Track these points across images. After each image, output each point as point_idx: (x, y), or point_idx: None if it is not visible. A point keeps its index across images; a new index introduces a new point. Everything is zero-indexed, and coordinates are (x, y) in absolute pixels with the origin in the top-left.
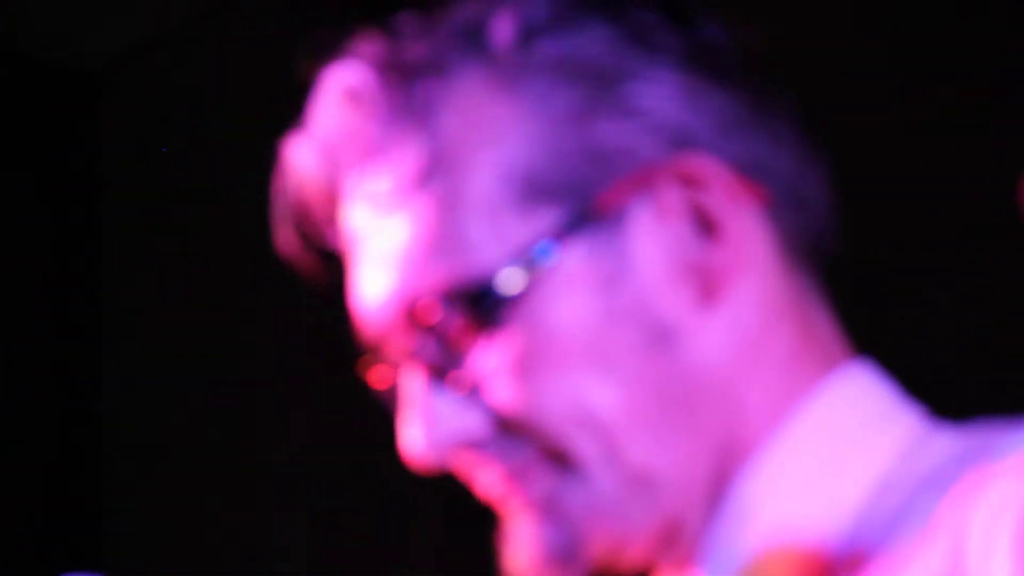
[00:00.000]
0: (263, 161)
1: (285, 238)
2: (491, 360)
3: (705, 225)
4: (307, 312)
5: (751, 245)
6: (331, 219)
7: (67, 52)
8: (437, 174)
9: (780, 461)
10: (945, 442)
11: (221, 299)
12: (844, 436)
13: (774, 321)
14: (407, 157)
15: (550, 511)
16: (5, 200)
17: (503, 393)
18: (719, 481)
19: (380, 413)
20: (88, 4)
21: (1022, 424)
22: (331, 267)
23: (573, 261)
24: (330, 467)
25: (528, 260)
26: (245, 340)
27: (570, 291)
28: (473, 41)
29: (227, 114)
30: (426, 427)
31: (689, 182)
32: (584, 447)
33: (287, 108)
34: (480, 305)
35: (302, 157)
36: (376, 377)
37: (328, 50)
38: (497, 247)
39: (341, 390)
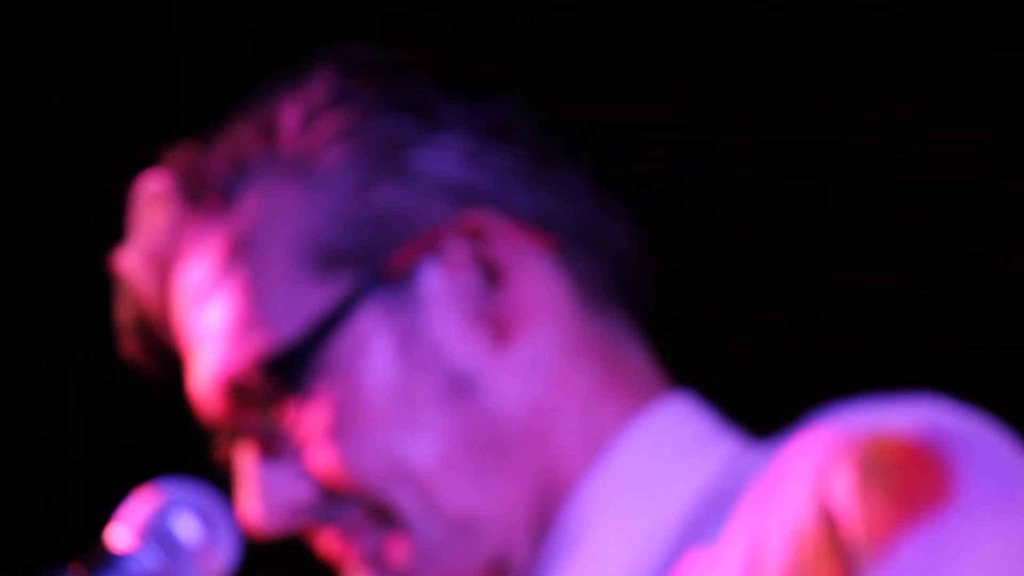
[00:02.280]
0: None
1: (129, 345)
2: (307, 426)
3: (491, 275)
4: None
5: (539, 289)
6: (166, 320)
7: None
8: (239, 258)
9: (599, 492)
10: (756, 455)
11: None
12: (660, 462)
13: (576, 359)
14: (212, 248)
15: (381, 565)
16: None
17: (320, 458)
18: (541, 516)
19: None
20: None
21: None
22: (176, 368)
23: (369, 323)
24: None
25: (324, 326)
26: None
27: (369, 351)
28: (266, 132)
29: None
30: (259, 499)
31: (473, 235)
32: (402, 500)
33: None
34: (286, 374)
35: (128, 266)
36: (221, 456)
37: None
38: (296, 317)
39: None
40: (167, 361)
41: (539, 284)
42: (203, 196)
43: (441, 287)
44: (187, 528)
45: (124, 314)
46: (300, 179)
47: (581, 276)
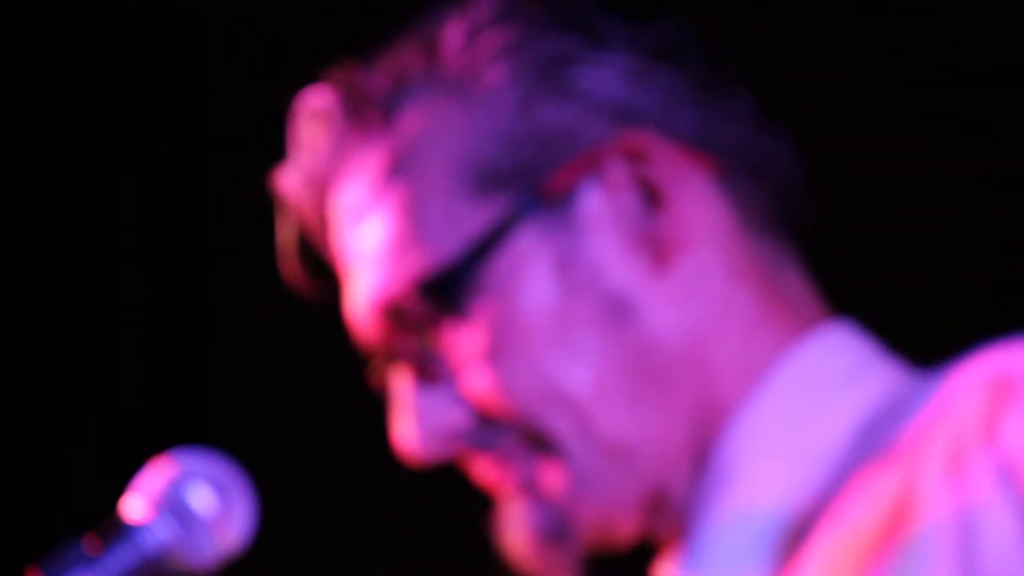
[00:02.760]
0: None
1: (290, 266)
2: (462, 349)
3: (651, 197)
4: None
5: (700, 212)
6: (326, 239)
7: None
8: (398, 176)
9: (758, 419)
10: (916, 385)
11: None
12: (819, 390)
13: (736, 285)
14: (371, 166)
15: (537, 493)
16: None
17: (476, 381)
18: (699, 444)
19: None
20: None
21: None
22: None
23: (527, 244)
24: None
25: (482, 246)
26: None
27: (527, 273)
28: (429, 50)
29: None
30: (415, 424)
31: (634, 157)
32: (558, 426)
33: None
34: (442, 296)
35: (289, 185)
36: (378, 379)
37: (307, 81)
38: (454, 238)
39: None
40: (327, 283)
41: (700, 207)
42: (364, 113)
43: (600, 208)
44: (201, 499)
45: (285, 234)
46: (461, 97)
47: (742, 200)
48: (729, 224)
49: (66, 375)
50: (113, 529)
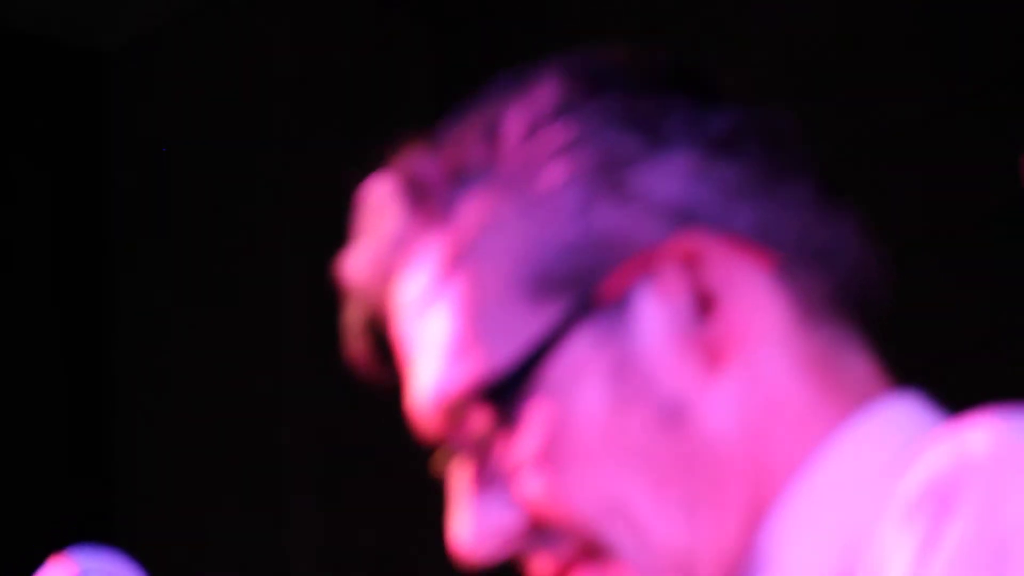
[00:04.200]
0: (274, 150)
1: (357, 349)
2: (518, 454)
3: (706, 300)
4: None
5: (755, 313)
6: (389, 326)
7: (77, 30)
8: (459, 272)
9: (798, 504)
10: None
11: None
12: (868, 466)
13: (792, 384)
14: (432, 259)
15: None
16: (9, 179)
17: (531, 488)
18: (749, 542)
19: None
20: None
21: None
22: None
23: (583, 350)
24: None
25: (539, 352)
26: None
27: (582, 380)
28: (489, 139)
29: (234, 104)
30: (469, 525)
31: (688, 260)
32: (617, 537)
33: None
34: (500, 399)
35: (356, 270)
36: (439, 470)
37: (373, 164)
38: (512, 342)
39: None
40: (391, 367)
41: (756, 307)
42: (426, 203)
43: (654, 313)
44: None
45: (352, 317)
46: (520, 193)
47: (803, 290)
48: (788, 318)
49: None
50: None
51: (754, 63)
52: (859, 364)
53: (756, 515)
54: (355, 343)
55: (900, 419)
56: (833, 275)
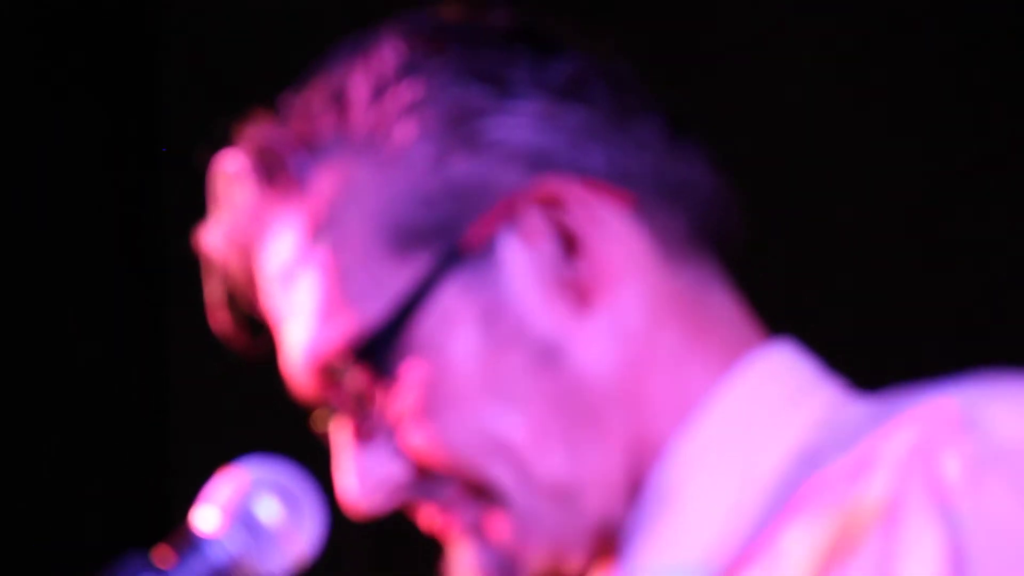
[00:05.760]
0: None
1: (220, 320)
2: (397, 406)
3: (569, 241)
4: None
5: (618, 251)
6: (253, 296)
7: None
8: (320, 239)
9: (693, 445)
10: (860, 410)
11: None
12: (755, 415)
13: (662, 317)
14: (292, 229)
15: (483, 538)
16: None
17: (413, 437)
18: (635, 478)
19: None
20: None
21: (929, 388)
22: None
23: (452, 299)
24: None
25: (408, 306)
26: None
27: (454, 328)
28: (336, 106)
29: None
30: (355, 479)
31: (547, 203)
32: (498, 475)
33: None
34: (373, 355)
35: (212, 244)
36: (320, 431)
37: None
38: (379, 298)
39: None
40: (257, 336)
41: (618, 245)
42: (279, 176)
43: (520, 258)
44: (270, 510)
45: (212, 289)
46: (373, 156)
47: (662, 228)
48: (649, 256)
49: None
50: (182, 541)
51: None
52: (727, 305)
53: (640, 449)
54: (219, 315)
55: (782, 368)
56: (690, 212)
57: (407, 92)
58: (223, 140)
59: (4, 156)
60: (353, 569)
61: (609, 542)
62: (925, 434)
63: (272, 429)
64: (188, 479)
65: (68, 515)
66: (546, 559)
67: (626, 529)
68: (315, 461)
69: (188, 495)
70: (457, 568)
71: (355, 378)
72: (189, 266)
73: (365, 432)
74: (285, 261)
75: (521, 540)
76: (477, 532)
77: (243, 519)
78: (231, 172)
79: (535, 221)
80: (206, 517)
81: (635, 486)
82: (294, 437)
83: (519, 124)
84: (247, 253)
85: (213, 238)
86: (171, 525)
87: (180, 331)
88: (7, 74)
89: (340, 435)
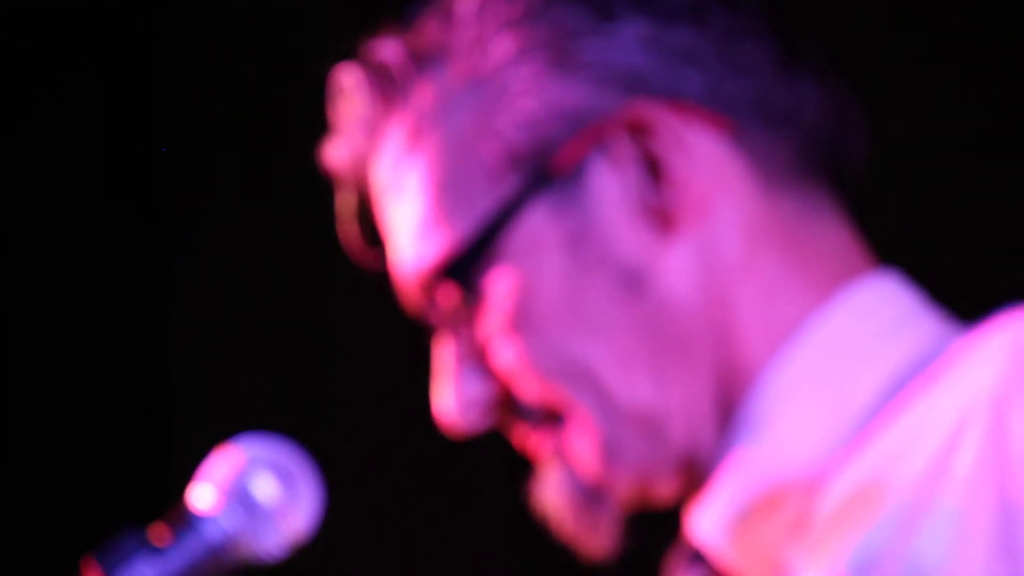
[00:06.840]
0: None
1: (351, 233)
2: (488, 327)
3: (655, 167)
4: None
5: (707, 178)
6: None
7: None
8: (419, 155)
9: (787, 374)
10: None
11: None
12: (852, 345)
13: (757, 244)
14: (395, 142)
15: (569, 460)
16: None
17: (501, 356)
18: (725, 404)
19: None
20: None
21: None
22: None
23: (538, 221)
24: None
25: (494, 226)
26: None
27: (539, 251)
28: (444, 22)
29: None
30: (452, 395)
31: (636, 129)
32: (584, 400)
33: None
34: (463, 273)
35: (337, 159)
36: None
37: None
38: (471, 217)
39: None
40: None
41: (706, 172)
42: (388, 90)
43: (607, 183)
44: (266, 488)
45: (342, 203)
46: (471, 71)
47: (763, 156)
48: (745, 182)
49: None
50: (179, 519)
51: None
52: (832, 234)
53: (730, 378)
54: (348, 229)
55: (884, 299)
56: (798, 140)
57: (507, 10)
58: (350, 54)
59: (4, 156)
60: (349, 547)
61: (699, 470)
62: (995, 372)
63: (271, 408)
64: (185, 458)
65: (65, 493)
66: (632, 487)
67: (716, 457)
68: (311, 440)
69: (185, 474)
70: (545, 489)
71: (448, 296)
72: (189, 260)
73: (461, 351)
74: (388, 176)
75: (607, 468)
76: (563, 455)
77: (239, 497)
78: (347, 87)
79: (622, 146)
80: (202, 495)
81: (725, 415)
82: (292, 416)
83: (616, 47)
84: (365, 164)
85: (337, 153)
86: (168, 503)
87: (182, 314)
88: (7, 74)
89: (441, 350)
